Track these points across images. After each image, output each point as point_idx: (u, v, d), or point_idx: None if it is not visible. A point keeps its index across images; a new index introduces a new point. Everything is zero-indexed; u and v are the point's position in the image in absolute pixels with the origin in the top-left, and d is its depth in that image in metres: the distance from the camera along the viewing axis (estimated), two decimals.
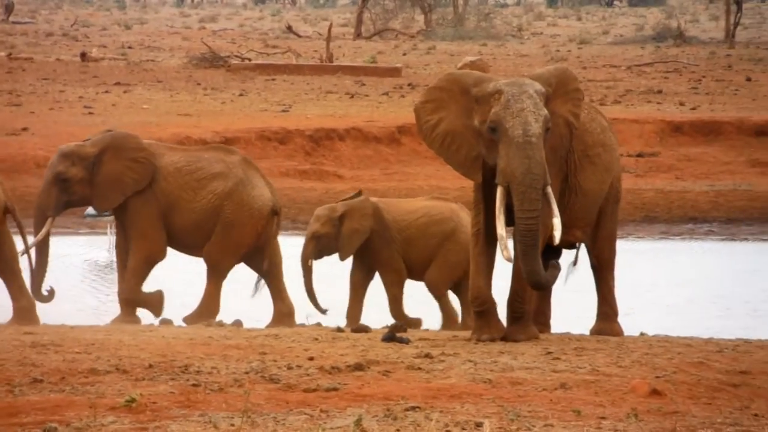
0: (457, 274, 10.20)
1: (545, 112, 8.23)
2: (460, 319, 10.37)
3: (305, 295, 10.64)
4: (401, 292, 10.27)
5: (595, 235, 8.88)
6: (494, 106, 8.23)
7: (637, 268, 13.94)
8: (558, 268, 8.37)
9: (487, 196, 8.39)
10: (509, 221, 8.24)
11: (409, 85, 27.11)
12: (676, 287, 13.11)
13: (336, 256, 10.49)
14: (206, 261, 10.21)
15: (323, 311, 10.44)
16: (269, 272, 10.30)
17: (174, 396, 6.52)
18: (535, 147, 8.10)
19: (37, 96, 24.76)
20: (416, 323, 10.25)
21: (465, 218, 10.20)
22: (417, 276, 10.38)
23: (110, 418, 6.09)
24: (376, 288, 10.64)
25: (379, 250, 10.19)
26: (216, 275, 10.17)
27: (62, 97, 24.74)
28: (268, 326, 10.02)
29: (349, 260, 10.54)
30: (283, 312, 10.26)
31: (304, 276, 10.45)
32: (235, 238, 10.06)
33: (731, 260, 15.28)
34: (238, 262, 10.28)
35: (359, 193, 10.50)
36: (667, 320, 10.81)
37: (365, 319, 9.36)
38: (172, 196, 10.03)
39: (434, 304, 10.55)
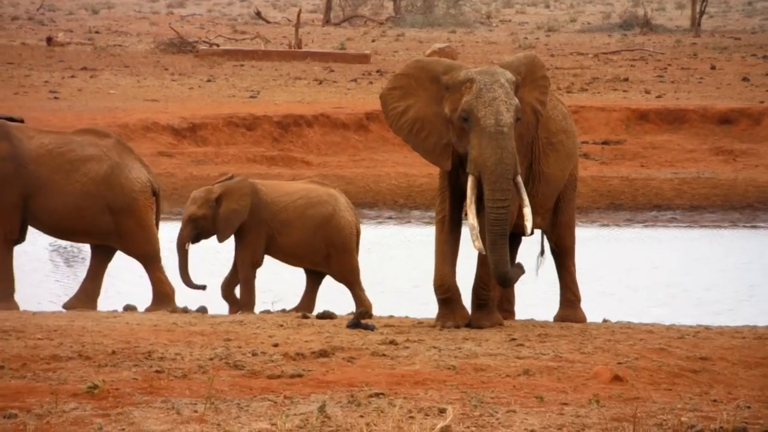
0: (355, 257, 10.15)
1: (516, 101, 8.26)
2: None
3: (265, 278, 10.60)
4: (254, 276, 10.12)
5: (554, 221, 8.93)
6: (466, 94, 8.24)
7: (594, 255, 14.02)
8: (522, 269, 8.41)
9: (453, 184, 8.41)
10: (477, 210, 8.27)
11: (377, 71, 27.09)
12: (625, 274, 13.21)
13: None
14: (137, 258, 10.03)
15: (202, 287, 10.27)
16: (107, 252, 10.03)
17: (137, 382, 6.51)
18: (507, 137, 8.13)
19: (2, 80, 24.56)
20: (247, 307, 10.09)
21: (343, 203, 10.20)
22: (294, 260, 10.23)
23: (72, 404, 6.07)
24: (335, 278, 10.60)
25: (248, 230, 10.04)
26: (150, 263, 10.03)
27: (27, 81, 24.54)
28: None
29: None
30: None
31: (180, 259, 10.19)
32: (140, 224, 9.87)
33: (686, 247, 15.40)
34: (157, 243, 10.03)
35: (232, 177, 10.36)
36: (611, 307, 10.89)
37: (327, 307, 9.35)
38: (42, 178, 9.83)
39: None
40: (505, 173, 8.08)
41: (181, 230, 10.28)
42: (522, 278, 8.58)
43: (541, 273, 9.18)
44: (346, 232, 10.13)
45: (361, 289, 10.27)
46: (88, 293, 10.13)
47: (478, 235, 8.12)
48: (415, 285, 11.89)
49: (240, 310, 10.11)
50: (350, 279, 10.21)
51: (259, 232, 10.06)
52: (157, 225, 10.10)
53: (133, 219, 9.91)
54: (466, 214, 8.31)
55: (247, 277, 10.12)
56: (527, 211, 8.16)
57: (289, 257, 10.22)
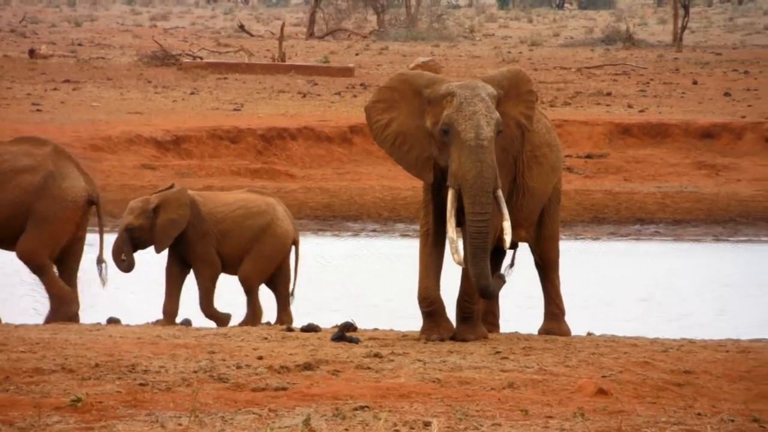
0: (271, 269, 10.14)
1: (497, 115, 8.28)
2: (275, 316, 10.26)
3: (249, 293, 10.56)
4: (214, 287, 10.10)
5: (538, 234, 8.95)
6: (447, 108, 8.26)
7: (578, 268, 14.05)
8: (503, 280, 8.42)
9: (436, 197, 8.43)
10: (459, 223, 8.28)
11: (361, 85, 27.13)
12: (609, 287, 13.24)
13: None
14: (21, 258, 9.83)
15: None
16: (68, 262, 9.91)
17: (120, 395, 6.48)
18: (487, 150, 8.15)
19: None
20: (225, 319, 10.10)
21: (281, 212, 10.19)
22: (232, 270, 10.23)
23: (55, 417, 6.04)
24: (316, 285, 10.62)
25: (194, 243, 10.02)
26: (39, 272, 9.86)
27: (10, 94, 24.47)
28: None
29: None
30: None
31: (120, 269, 10.14)
32: (49, 232, 9.79)
33: (669, 261, 15.45)
34: (54, 256, 9.92)
35: (172, 186, 10.32)
36: (595, 320, 10.92)
37: (311, 319, 9.34)
38: None
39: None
40: (485, 187, 8.11)
41: (117, 240, 10.20)
42: (504, 290, 8.60)
43: (518, 286, 9.18)
44: (280, 241, 10.08)
45: (257, 296, 10.19)
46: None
47: (458, 248, 8.14)
48: (400, 298, 11.88)
49: (220, 322, 10.06)
50: (252, 285, 10.14)
51: (206, 243, 10.03)
52: (101, 232, 9.96)
53: (48, 226, 9.76)
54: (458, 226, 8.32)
55: (207, 290, 10.07)
56: (506, 225, 8.19)
57: (227, 267, 10.19)
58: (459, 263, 8.20)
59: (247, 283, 10.19)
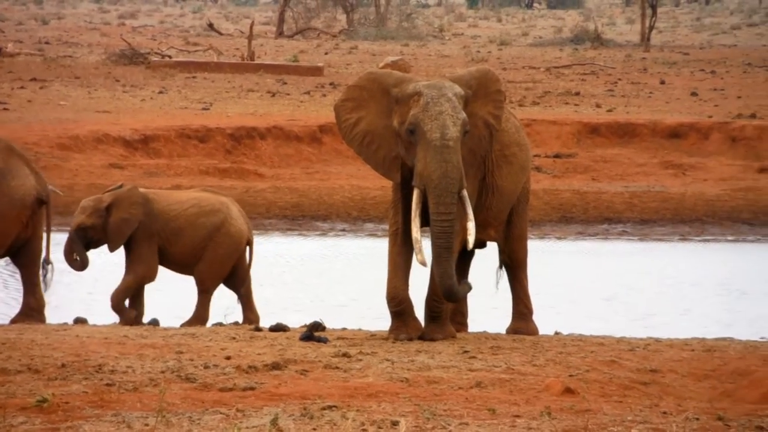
0: (227, 269, 10.11)
1: (463, 115, 8.29)
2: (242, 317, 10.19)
3: (221, 292, 10.56)
4: (135, 286, 10.00)
5: (507, 234, 8.98)
6: (413, 107, 8.27)
7: (546, 268, 14.12)
8: (469, 286, 8.45)
9: (405, 197, 8.43)
10: (425, 223, 8.30)
11: (330, 84, 27.11)
12: (577, 287, 13.31)
13: None
14: None
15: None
16: (25, 263, 9.85)
17: (87, 396, 6.45)
18: (452, 150, 8.17)
19: None
20: (130, 320, 9.98)
21: (235, 212, 10.17)
22: (185, 269, 10.17)
23: (20, 418, 6.00)
24: (296, 286, 10.60)
25: (140, 241, 9.97)
26: None
27: None
28: (13, 320, 9.71)
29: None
30: (32, 306, 9.84)
31: (73, 268, 10.05)
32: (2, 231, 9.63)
33: (636, 260, 15.55)
34: (4, 255, 9.80)
35: (122, 186, 10.26)
36: (563, 320, 10.98)
37: (280, 318, 9.33)
38: None
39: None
40: (450, 187, 8.12)
41: (68, 240, 10.12)
42: (473, 291, 8.62)
43: (486, 285, 9.22)
44: (234, 240, 10.05)
45: (209, 300, 10.14)
46: (32, 306, 9.98)
47: (421, 248, 8.16)
48: (368, 298, 11.89)
49: (124, 319, 9.93)
50: (208, 286, 10.10)
51: (151, 245, 9.99)
52: (48, 233, 9.88)
53: None
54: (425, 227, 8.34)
55: (129, 287, 9.98)
56: (470, 226, 8.21)
57: (178, 266, 10.14)
58: (422, 263, 8.22)
59: (202, 283, 10.12)
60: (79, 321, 9.96)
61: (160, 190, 10.61)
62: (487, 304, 10.43)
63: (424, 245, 8.21)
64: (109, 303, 10.12)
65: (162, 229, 10.03)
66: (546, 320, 9.68)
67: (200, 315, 10.15)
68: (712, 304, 12.67)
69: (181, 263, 10.13)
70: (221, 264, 10.08)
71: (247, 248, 10.25)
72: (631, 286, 13.58)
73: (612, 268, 14.88)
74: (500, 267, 9.08)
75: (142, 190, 10.24)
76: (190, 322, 10.03)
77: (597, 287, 13.40)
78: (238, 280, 10.23)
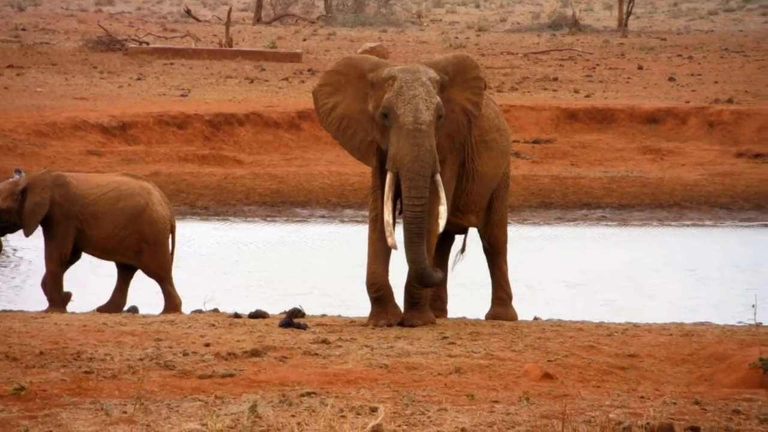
0: (167, 253, 9.99)
1: (437, 99, 8.29)
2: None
3: (201, 280, 10.53)
4: (61, 271, 9.93)
5: (487, 219, 8.98)
6: (387, 92, 8.27)
7: (525, 253, 14.15)
8: (441, 275, 8.45)
9: (384, 182, 8.42)
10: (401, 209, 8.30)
11: (309, 70, 27.05)
12: (556, 272, 13.35)
13: None
14: None
15: None
16: None
17: (65, 384, 6.44)
18: (425, 134, 8.17)
19: None
20: (66, 298, 9.94)
21: (157, 197, 10.08)
22: (107, 255, 10.06)
23: None
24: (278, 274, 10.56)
25: (56, 223, 9.85)
26: None
27: None
28: None
29: None
30: None
31: None
32: None
33: (615, 245, 15.61)
34: None
35: (46, 169, 10.18)
36: (542, 305, 11.00)
37: (258, 305, 9.32)
38: None
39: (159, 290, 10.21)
40: (422, 171, 8.12)
41: None
42: (451, 275, 8.62)
43: (466, 271, 9.24)
44: (159, 225, 9.97)
45: (172, 285, 10.08)
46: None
47: (392, 231, 8.16)
48: (348, 284, 11.89)
49: (48, 306, 9.87)
50: (161, 274, 10.03)
51: (66, 226, 9.85)
52: None
53: None
54: (400, 212, 8.34)
55: (54, 272, 9.89)
56: (442, 209, 8.21)
57: (99, 251, 10.03)
58: (392, 246, 8.22)
59: (153, 274, 10.04)
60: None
61: (80, 173, 10.40)
62: (467, 289, 10.45)
63: (396, 229, 8.22)
64: (43, 294, 10.03)
65: (80, 213, 9.89)
66: (525, 306, 9.70)
67: (173, 302, 10.06)
68: (688, 288, 12.73)
69: (101, 248, 9.98)
70: (158, 251, 9.96)
71: (170, 234, 10.11)
72: (610, 271, 13.63)
73: (591, 253, 14.93)
74: (462, 251, 9.09)
75: (59, 173, 10.10)
76: (167, 311, 10.00)
77: (576, 272, 13.44)
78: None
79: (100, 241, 9.93)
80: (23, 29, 35.45)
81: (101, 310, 9.89)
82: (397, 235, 8.27)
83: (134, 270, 10.13)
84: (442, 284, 8.96)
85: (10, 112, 20.29)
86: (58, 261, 9.92)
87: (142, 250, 9.96)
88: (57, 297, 9.97)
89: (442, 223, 8.22)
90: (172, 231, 10.13)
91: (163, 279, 10.07)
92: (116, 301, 10.07)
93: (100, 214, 9.91)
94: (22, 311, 9.63)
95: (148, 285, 10.25)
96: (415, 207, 8.14)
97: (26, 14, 42.72)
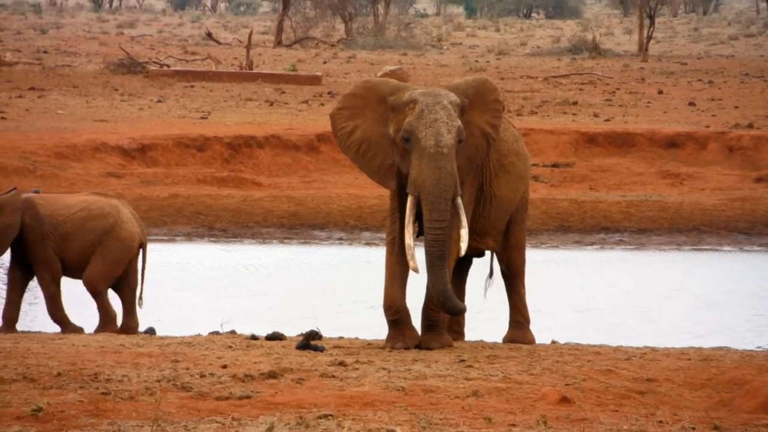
0: (117, 272, 9.99)
1: (458, 123, 8.30)
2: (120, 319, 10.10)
3: (218, 302, 10.53)
4: (59, 291, 9.95)
5: (505, 243, 8.98)
6: (408, 115, 8.29)
7: (543, 277, 14.12)
8: (465, 307, 8.44)
9: (402, 205, 8.43)
10: (421, 232, 8.30)
11: (329, 93, 27.14)
12: (574, 296, 13.31)
13: None
14: None
15: None
16: None
17: (82, 405, 6.44)
18: (447, 158, 8.18)
19: None
20: (75, 329, 9.92)
21: (126, 214, 10.05)
22: (77, 274, 10.06)
23: (16, 427, 5.99)
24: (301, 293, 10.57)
25: (34, 247, 9.86)
26: None
27: None
28: None
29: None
30: None
31: None
32: None
33: (633, 269, 15.55)
34: None
35: (14, 189, 10.10)
36: (560, 329, 10.96)
37: (276, 327, 9.32)
38: None
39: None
40: (444, 194, 8.13)
41: None
42: (469, 299, 8.60)
43: (489, 294, 9.22)
44: (125, 244, 9.92)
45: (106, 300, 9.99)
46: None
47: (414, 255, 8.16)
48: (366, 306, 11.88)
49: (61, 328, 9.87)
50: (98, 288, 9.95)
51: (45, 246, 9.85)
52: None
53: None
54: (419, 235, 8.34)
55: (51, 294, 9.91)
56: (463, 233, 8.21)
57: (71, 272, 10.01)
58: (414, 269, 8.22)
59: (91, 286, 9.97)
60: (76, 330, 9.93)
61: (49, 194, 10.39)
62: (484, 313, 10.43)
63: (417, 253, 8.21)
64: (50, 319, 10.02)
65: (50, 233, 9.89)
66: (543, 329, 9.67)
67: (107, 316, 9.98)
68: (708, 313, 12.67)
69: (72, 268, 9.97)
70: (110, 267, 9.91)
71: (141, 252, 10.07)
72: (628, 295, 13.58)
73: (609, 278, 14.88)
74: (490, 276, 9.08)
75: (28, 194, 10.10)
76: (99, 328, 9.94)
77: (594, 296, 13.40)
78: (127, 284, 10.05)
79: (70, 261, 9.92)
80: (45, 52, 35.72)
81: (97, 330, 9.84)
82: (418, 258, 8.27)
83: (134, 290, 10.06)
84: (455, 315, 8.93)
85: (31, 134, 20.42)
86: (51, 282, 9.93)
87: (94, 263, 9.88)
88: (62, 316, 9.99)
89: (463, 246, 8.23)
90: (143, 248, 10.06)
91: (100, 294, 9.96)
92: (107, 317, 9.99)
93: (68, 234, 9.90)
94: (40, 332, 9.67)
95: (86, 299, 10.17)
96: (436, 230, 8.14)
97: (48, 37, 43.06)
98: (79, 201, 10.06)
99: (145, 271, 10.11)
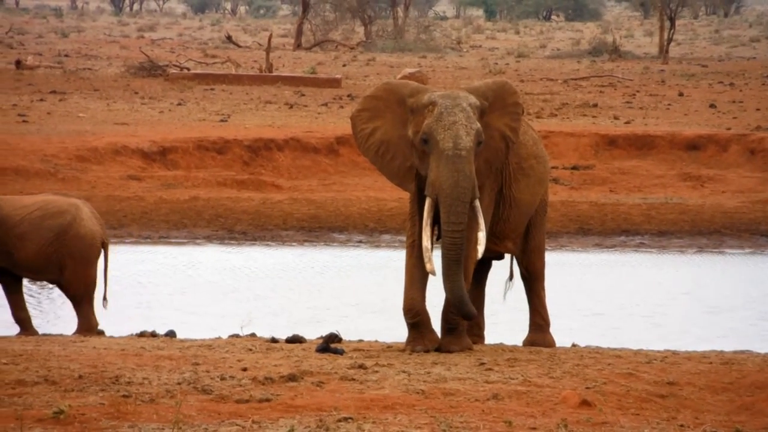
0: (92, 272, 9.81)
1: (477, 125, 8.29)
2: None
3: (239, 304, 10.54)
4: (20, 293, 9.86)
5: (524, 246, 8.96)
6: (427, 117, 8.28)
7: (563, 280, 14.08)
8: (476, 312, 8.41)
9: (422, 208, 8.43)
10: (440, 235, 8.29)
11: (348, 96, 27.16)
12: (594, 299, 13.26)
13: None
14: None
15: None
16: None
17: (103, 407, 6.46)
18: (465, 160, 8.16)
19: None
20: (32, 329, 9.83)
21: (86, 213, 9.90)
22: (38, 275, 9.93)
23: (37, 430, 6.02)
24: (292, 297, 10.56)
25: None
26: None
27: None
28: None
29: None
30: None
31: None
32: None
33: (653, 272, 15.49)
34: None
35: None
36: (580, 332, 10.91)
37: (296, 330, 9.33)
38: None
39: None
40: (461, 196, 8.11)
41: None
42: (489, 302, 8.58)
43: (508, 297, 9.20)
44: (87, 241, 9.80)
45: (90, 306, 9.89)
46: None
47: (431, 257, 8.14)
48: (385, 309, 11.88)
49: (21, 329, 9.80)
50: (80, 293, 9.84)
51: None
52: None
53: None
54: (438, 238, 8.33)
55: (12, 297, 9.78)
56: (481, 236, 8.19)
57: (28, 271, 9.90)
58: (431, 272, 8.21)
59: (70, 291, 9.86)
60: (97, 332, 9.93)
61: (6, 196, 10.29)
62: (504, 316, 10.40)
63: (435, 256, 8.20)
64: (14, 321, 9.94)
65: (6, 235, 9.77)
66: (563, 332, 9.64)
67: (87, 323, 9.88)
68: (730, 317, 12.60)
69: (30, 268, 9.86)
70: (83, 268, 9.81)
71: (102, 251, 9.94)
72: (649, 298, 13.52)
73: (629, 280, 14.83)
74: (509, 279, 9.06)
75: None
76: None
77: (614, 299, 13.35)
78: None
79: (27, 261, 9.81)
80: (66, 55, 35.88)
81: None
82: (436, 261, 8.26)
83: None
84: (479, 310, 8.91)
85: (53, 137, 20.52)
86: (10, 284, 9.84)
87: (67, 266, 9.79)
88: (24, 316, 9.90)
89: (480, 249, 8.21)
90: (105, 248, 9.95)
91: (83, 299, 9.86)
92: (85, 324, 9.88)
93: (25, 234, 9.79)
94: (61, 335, 9.71)
95: (67, 307, 10.14)
96: (453, 233, 8.13)
97: (70, 40, 43.25)
98: (36, 201, 9.97)
99: (107, 272, 9.98)
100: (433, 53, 39.85)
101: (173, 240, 17.00)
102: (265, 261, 15.79)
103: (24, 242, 9.80)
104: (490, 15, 63.93)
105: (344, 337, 8.89)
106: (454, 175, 8.13)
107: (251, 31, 51.22)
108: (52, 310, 11.90)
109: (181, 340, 9.07)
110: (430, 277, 8.41)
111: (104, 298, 10.01)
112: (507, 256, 9.10)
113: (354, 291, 13.72)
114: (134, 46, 39.05)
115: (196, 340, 9.24)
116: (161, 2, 75.20)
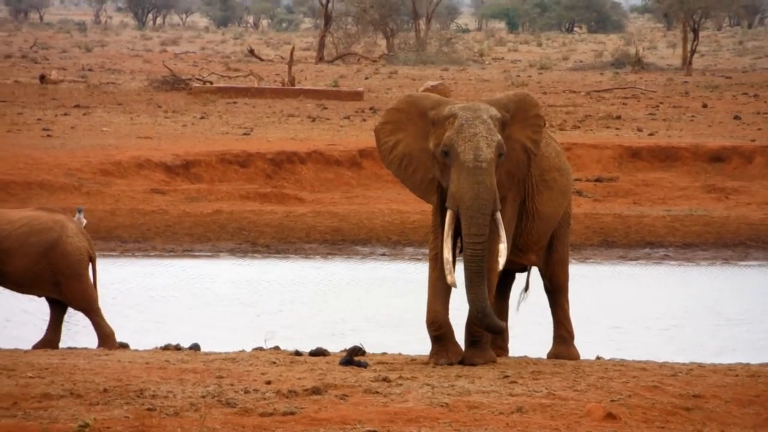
0: (89, 284, 9.86)
1: (498, 137, 8.29)
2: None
3: (263, 317, 10.55)
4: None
5: (548, 258, 8.93)
6: (448, 129, 8.29)
7: (588, 292, 14.02)
8: (504, 325, 8.39)
9: (444, 220, 8.42)
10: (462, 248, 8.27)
11: (371, 108, 27.20)
12: (619, 311, 13.20)
13: None
14: None
15: None
16: None
17: (128, 421, 6.48)
18: (486, 172, 8.16)
19: None
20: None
21: (72, 229, 9.96)
22: (25, 289, 9.98)
23: None
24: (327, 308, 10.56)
25: None
26: None
27: (20, 119, 24.58)
28: None
29: None
30: None
31: None
32: None
33: (678, 284, 15.41)
34: None
35: None
36: (604, 344, 10.86)
37: (320, 343, 9.33)
38: None
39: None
40: (482, 208, 8.10)
41: None
42: (512, 314, 8.55)
43: (527, 309, 9.18)
44: (74, 258, 9.86)
45: (99, 316, 9.96)
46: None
47: (452, 269, 8.13)
48: (409, 322, 11.86)
49: None
50: (84, 306, 9.92)
51: None
52: None
53: None
54: (461, 251, 8.32)
55: None
56: (502, 248, 8.17)
57: (15, 286, 9.97)
58: (452, 284, 8.19)
59: (73, 306, 9.94)
60: (121, 346, 9.96)
61: None
62: (528, 328, 10.37)
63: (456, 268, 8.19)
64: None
65: None
66: (587, 345, 9.60)
67: (104, 333, 9.93)
68: (755, 330, 12.52)
69: (18, 283, 9.94)
70: (79, 282, 9.87)
71: (90, 266, 9.99)
72: (673, 310, 13.45)
73: (654, 293, 14.76)
74: (525, 290, 9.03)
75: None
76: (101, 344, 9.91)
77: (639, 312, 13.29)
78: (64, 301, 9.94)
79: (14, 276, 9.89)
80: (90, 70, 36.10)
81: (101, 346, 9.88)
82: (458, 274, 8.25)
83: (66, 306, 10.02)
84: (503, 322, 8.89)
85: (77, 151, 20.63)
86: None
87: (60, 283, 9.88)
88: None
89: (502, 261, 8.19)
90: (93, 262, 10.03)
91: (88, 310, 9.96)
92: (49, 338, 9.98)
93: (11, 250, 9.86)
94: (86, 348, 9.74)
95: (81, 320, 10.16)
96: (475, 245, 8.12)
97: (93, 55, 43.52)
98: (22, 216, 10.04)
99: (97, 285, 10.02)
100: (455, 66, 39.87)
101: (197, 253, 17.05)
102: (287, 274, 15.80)
103: (10, 258, 9.89)
104: (512, 27, 63.95)
105: (368, 350, 8.88)
106: (475, 187, 8.12)
107: (273, 45, 51.40)
108: (77, 321, 11.95)
109: (205, 354, 9.08)
110: (453, 289, 8.39)
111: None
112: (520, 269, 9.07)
113: (376, 304, 13.71)
114: (157, 60, 39.25)
115: (220, 353, 9.25)
116: (184, 16, 75.62)
